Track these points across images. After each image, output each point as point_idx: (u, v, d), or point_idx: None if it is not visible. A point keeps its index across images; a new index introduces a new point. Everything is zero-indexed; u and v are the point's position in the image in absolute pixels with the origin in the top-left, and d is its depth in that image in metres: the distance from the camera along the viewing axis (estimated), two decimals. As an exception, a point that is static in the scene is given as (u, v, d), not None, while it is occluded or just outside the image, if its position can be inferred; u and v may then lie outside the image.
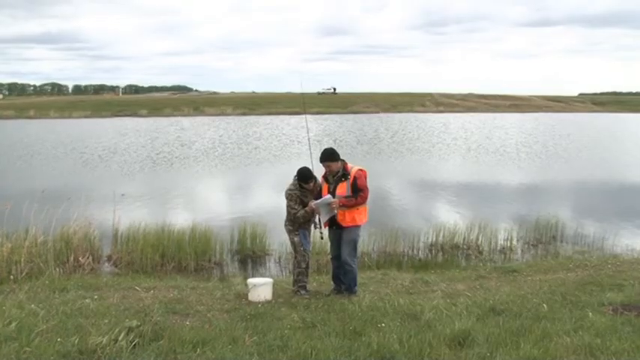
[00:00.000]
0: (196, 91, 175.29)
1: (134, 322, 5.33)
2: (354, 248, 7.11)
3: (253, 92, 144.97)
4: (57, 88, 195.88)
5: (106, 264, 10.52)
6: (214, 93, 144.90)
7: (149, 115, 71.61)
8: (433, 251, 11.60)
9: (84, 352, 4.76)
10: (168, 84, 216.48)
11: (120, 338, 4.91)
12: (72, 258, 9.98)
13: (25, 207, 10.87)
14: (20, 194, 17.76)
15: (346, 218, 6.85)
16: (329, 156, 6.96)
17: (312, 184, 7.08)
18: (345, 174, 6.91)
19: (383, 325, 5.52)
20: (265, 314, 6.00)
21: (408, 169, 24.76)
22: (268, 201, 17.00)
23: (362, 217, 6.96)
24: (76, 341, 4.92)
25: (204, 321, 5.76)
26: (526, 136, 41.92)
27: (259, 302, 6.61)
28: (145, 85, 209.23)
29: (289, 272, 10.12)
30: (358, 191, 6.79)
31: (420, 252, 11.50)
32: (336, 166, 6.93)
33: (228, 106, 77.38)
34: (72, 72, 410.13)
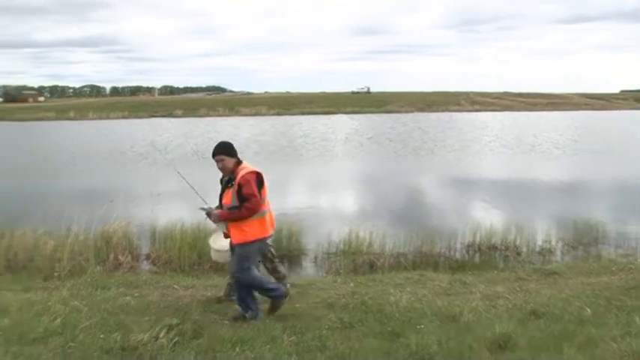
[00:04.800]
0: (231, 91, 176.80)
1: (174, 320, 5.42)
2: (244, 264, 5.77)
3: (287, 92, 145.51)
4: (95, 90, 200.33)
5: (145, 262, 10.67)
6: (249, 93, 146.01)
7: (184, 115, 72.55)
8: (470, 252, 11.44)
9: (126, 349, 4.85)
10: (203, 84, 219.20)
11: (161, 336, 5.00)
12: (112, 256, 10.16)
13: (67, 206, 11.10)
14: (65, 193, 18.29)
15: (233, 234, 5.72)
16: (222, 148, 5.71)
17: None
18: (231, 178, 5.71)
19: (421, 326, 5.48)
20: (303, 314, 6.02)
21: (444, 168, 24.53)
22: (305, 199, 17.09)
23: (254, 230, 5.66)
24: (118, 338, 5.03)
25: (243, 320, 5.80)
26: (565, 134, 41.05)
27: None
28: (181, 86, 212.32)
29: (325, 272, 10.15)
30: (244, 201, 5.55)
31: (456, 252, 11.34)
32: (230, 162, 5.69)
33: (262, 106, 77.80)
34: (110, 74, 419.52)
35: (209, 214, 5.78)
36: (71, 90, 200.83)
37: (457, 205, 16.73)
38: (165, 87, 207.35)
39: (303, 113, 71.91)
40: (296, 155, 29.29)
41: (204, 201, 6.10)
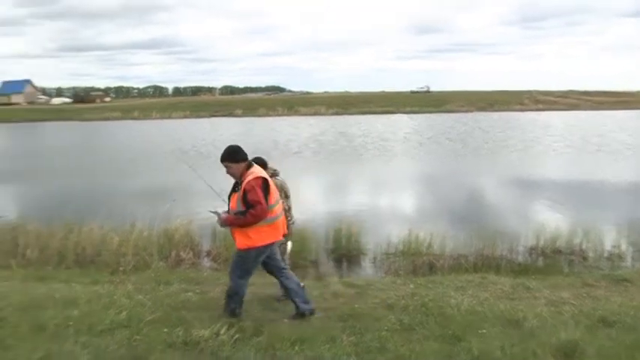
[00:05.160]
0: (290, 91, 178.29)
1: (235, 318, 5.49)
2: (239, 267, 5.73)
3: (346, 92, 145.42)
4: (158, 91, 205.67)
5: (206, 259, 10.87)
6: (307, 93, 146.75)
7: (244, 115, 73.64)
8: (533, 255, 11.11)
9: (188, 344, 4.96)
10: (263, 84, 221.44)
11: (222, 332, 5.09)
12: (174, 253, 10.41)
13: (131, 203, 11.44)
14: (129, 191, 18.90)
15: (238, 239, 5.63)
16: (227, 155, 5.63)
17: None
18: (238, 183, 5.64)
19: (483, 331, 5.35)
20: (362, 314, 5.98)
21: (506, 168, 23.98)
22: (364, 199, 17.03)
23: (262, 236, 5.57)
24: (181, 332, 5.15)
25: (302, 319, 5.82)
26: (635, 134, 39.28)
27: None
28: (241, 86, 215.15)
29: (384, 273, 10.07)
30: (249, 207, 5.46)
31: (519, 256, 11.02)
32: (236, 169, 5.60)
33: (321, 106, 77.92)
34: (172, 75, 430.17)
35: (219, 218, 5.72)
36: (135, 90, 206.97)
37: (519, 207, 16.30)
38: (225, 87, 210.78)
39: (361, 113, 71.56)
40: (355, 155, 29.25)
41: (224, 201, 5.98)
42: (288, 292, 6.00)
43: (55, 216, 12.49)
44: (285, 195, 6.50)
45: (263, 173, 5.64)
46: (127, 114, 76.44)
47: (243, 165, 5.59)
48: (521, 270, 9.99)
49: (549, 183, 19.83)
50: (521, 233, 11.73)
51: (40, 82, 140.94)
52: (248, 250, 5.59)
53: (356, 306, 6.41)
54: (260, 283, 7.55)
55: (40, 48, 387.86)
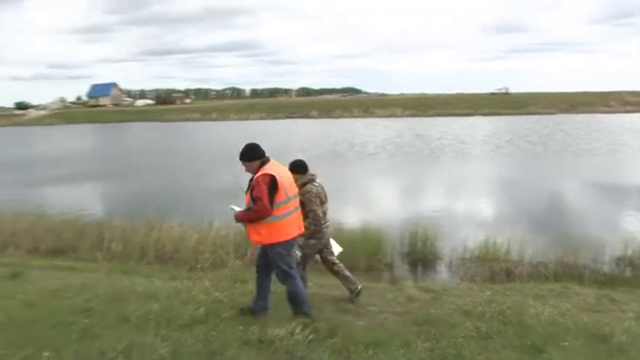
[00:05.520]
0: (365, 92, 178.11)
1: (309, 318, 5.52)
2: (279, 266, 5.71)
3: (423, 93, 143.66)
4: (236, 92, 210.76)
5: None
6: (383, 94, 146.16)
7: (319, 116, 74.18)
8: (620, 266, 10.56)
9: (263, 342, 5.01)
10: (339, 86, 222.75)
11: (296, 332, 5.11)
12: (249, 251, 10.58)
13: (209, 202, 11.74)
14: (207, 190, 19.43)
15: (251, 234, 5.63)
16: (242, 154, 5.68)
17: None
18: (251, 179, 5.64)
19: (566, 343, 5.11)
20: (438, 320, 5.86)
21: (590, 173, 22.97)
22: (441, 203, 16.78)
23: (271, 234, 5.51)
24: (256, 330, 5.21)
25: (377, 322, 5.77)
26: None
27: None
28: (317, 88, 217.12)
29: (460, 279, 9.86)
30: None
31: (604, 265, 10.50)
32: (251, 166, 5.63)
33: (397, 108, 77.35)
34: (250, 77, 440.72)
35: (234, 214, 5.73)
36: (214, 92, 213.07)
37: (605, 214, 15.53)
38: (301, 89, 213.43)
39: (438, 115, 70.40)
40: (432, 157, 28.86)
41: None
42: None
43: (138, 213, 13.07)
44: (320, 201, 6.42)
45: (274, 171, 5.54)
46: (205, 115, 78.87)
47: (257, 163, 5.61)
48: (606, 281, 9.53)
49: (638, 189, 18.79)
50: (606, 241, 11.15)
51: (124, 85, 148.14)
52: (271, 244, 5.59)
53: (431, 311, 6.28)
54: (334, 284, 7.55)
55: (125, 52, 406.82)
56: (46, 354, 4.76)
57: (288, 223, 5.60)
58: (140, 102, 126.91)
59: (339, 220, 12.30)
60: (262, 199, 5.34)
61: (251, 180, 5.60)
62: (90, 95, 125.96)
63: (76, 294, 6.78)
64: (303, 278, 6.11)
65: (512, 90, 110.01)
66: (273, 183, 5.44)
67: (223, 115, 78.77)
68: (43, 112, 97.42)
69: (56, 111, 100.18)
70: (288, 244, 5.68)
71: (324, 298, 6.80)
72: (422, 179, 22.76)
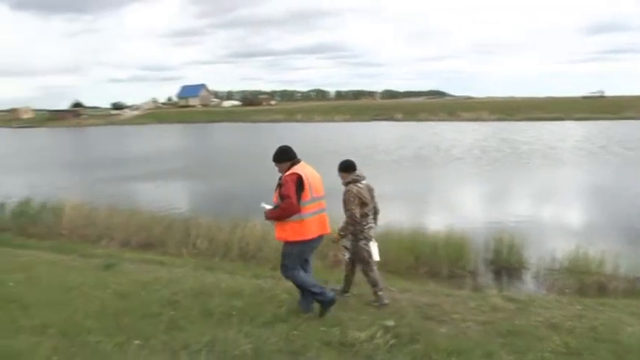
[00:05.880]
0: (451, 95, 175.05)
1: (391, 322, 5.49)
2: (284, 261, 5.84)
3: (511, 97, 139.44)
4: (321, 94, 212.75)
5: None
6: (469, 97, 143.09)
7: (404, 119, 73.54)
8: None
9: (344, 344, 5.03)
10: (424, 89, 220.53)
11: (377, 336, 5.09)
12: (331, 254, 10.66)
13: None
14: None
15: (277, 230, 5.83)
16: (274, 156, 5.94)
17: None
18: (280, 178, 5.87)
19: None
20: (523, 332, 5.64)
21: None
22: (528, 210, 16.23)
23: (294, 232, 5.67)
24: (337, 332, 5.24)
25: (459, 330, 5.63)
26: None
27: None
28: (401, 90, 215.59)
29: (547, 290, 9.48)
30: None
31: None
32: (281, 168, 5.89)
33: (483, 111, 75.27)
34: (335, 78, 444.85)
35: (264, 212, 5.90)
36: (299, 94, 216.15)
37: None
38: (386, 91, 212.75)
39: (527, 119, 67.68)
40: (520, 163, 27.93)
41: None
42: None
43: (223, 211, 13.47)
44: (360, 202, 6.38)
45: (301, 171, 5.72)
46: (290, 116, 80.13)
47: (287, 164, 5.84)
48: None
49: None
50: None
51: (212, 86, 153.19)
52: (285, 243, 5.80)
53: (516, 322, 6.05)
54: (416, 290, 7.47)
55: (214, 55, 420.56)
56: (136, 342, 5.00)
57: (310, 223, 5.73)
58: (227, 103, 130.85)
59: (422, 223, 12.18)
60: (290, 196, 5.54)
61: (280, 179, 5.82)
62: (180, 96, 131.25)
63: (164, 287, 7.09)
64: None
65: (608, 93, 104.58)
66: (300, 182, 5.64)
67: (308, 116, 79.78)
68: (136, 112, 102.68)
69: (148, 111, 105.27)
70: (306, 246, 5.84)
71: (407, 303, 6.71)
72: (508, 184, 22.08)
